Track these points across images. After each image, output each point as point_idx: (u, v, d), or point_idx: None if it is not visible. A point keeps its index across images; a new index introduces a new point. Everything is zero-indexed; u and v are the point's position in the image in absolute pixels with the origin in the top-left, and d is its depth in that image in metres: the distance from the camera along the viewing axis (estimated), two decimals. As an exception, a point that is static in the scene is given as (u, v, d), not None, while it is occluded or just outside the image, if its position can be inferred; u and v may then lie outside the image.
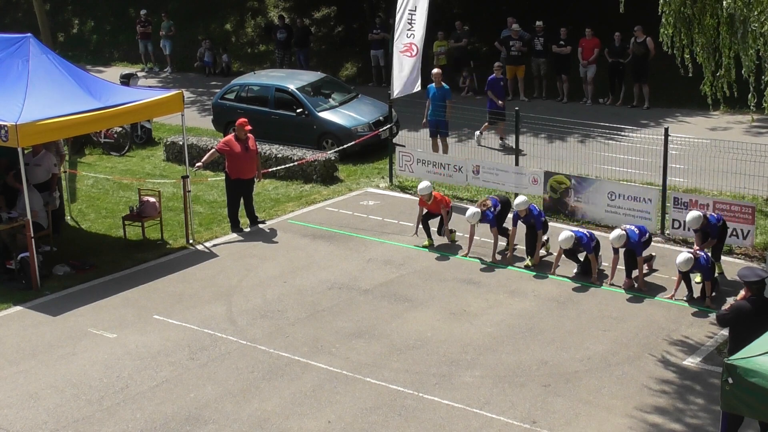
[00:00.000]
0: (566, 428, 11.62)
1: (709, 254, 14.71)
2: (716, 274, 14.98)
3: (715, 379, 12.05)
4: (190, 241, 17.97)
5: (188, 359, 13.55)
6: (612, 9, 13.53)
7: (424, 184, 17.33)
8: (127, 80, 25.44)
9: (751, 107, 13.10)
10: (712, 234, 15.24)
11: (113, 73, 29.07)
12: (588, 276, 15.53)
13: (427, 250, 17.06)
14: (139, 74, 29.68)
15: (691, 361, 13.17)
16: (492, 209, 16.56)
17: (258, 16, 34.44)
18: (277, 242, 17.97)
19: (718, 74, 12.68)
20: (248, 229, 18.58)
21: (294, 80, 24.05)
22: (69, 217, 18.68)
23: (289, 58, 30.61)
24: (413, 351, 13.63)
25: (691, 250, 14.60)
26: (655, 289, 15.15)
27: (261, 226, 18.72)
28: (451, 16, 29.15)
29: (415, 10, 20.26)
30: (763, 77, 11.72)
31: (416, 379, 12.82)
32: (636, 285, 15.12)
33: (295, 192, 20.65)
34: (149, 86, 26.50)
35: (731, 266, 15.30)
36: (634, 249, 15.01)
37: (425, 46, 20.79)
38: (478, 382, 12.74)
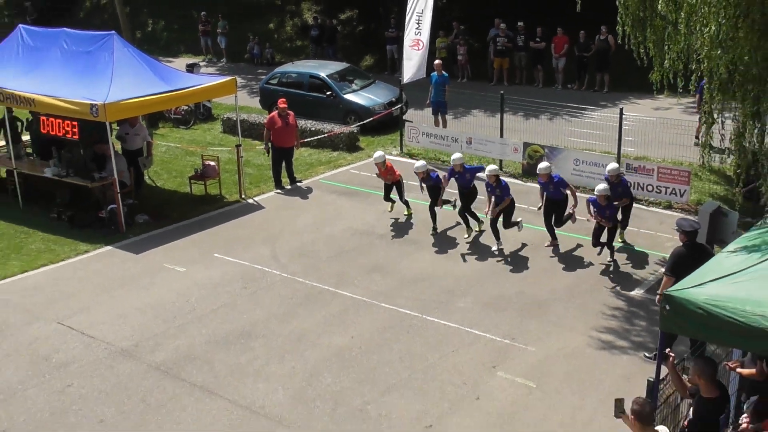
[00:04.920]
0: (538, 344, 11.77)
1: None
2: (620, 240, 14.68)
3: (656, 306, 12.14)
4: (243, 196, 18.09)
5: (241, 288, 13.72)
6: (581, 10, 13.48)
7: (377, 153, 16.49)
8: (191, 68, 25.39)
9: (680, 90, 12.98)
10: (626, 193, 14.49)
11: (180, 63, 29.02)
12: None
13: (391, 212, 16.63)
14: (201, 64, 29.56)
15: (636, 293, 13.29)
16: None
17: (295, 17, 34.27)
18: (311, 197, 18.07)
19: (666, 64, 12.61)
20: (288, 187, 18.66)
21: (324, 69, 24.00)
22: (147, 177, 18.82)
23: (320, 52, 30.52)
24: (419, 283, 13.77)
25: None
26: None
27: (299, 184, 18.79)
28: (450, 18, 28.95)
29: (422, 13, 20.22)
30: (690, 66, 11.67)
31: (421, 304, 12.98)
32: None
33: (325, 158, 20.72)
34: (209, 73, 26.47)
35: (671, 218, 15.31)
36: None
37: (430, 42, 20.72)
38: (469, 307, 12.89)
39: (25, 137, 18.88)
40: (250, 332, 12.27)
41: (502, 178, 15.06)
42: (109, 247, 15.51)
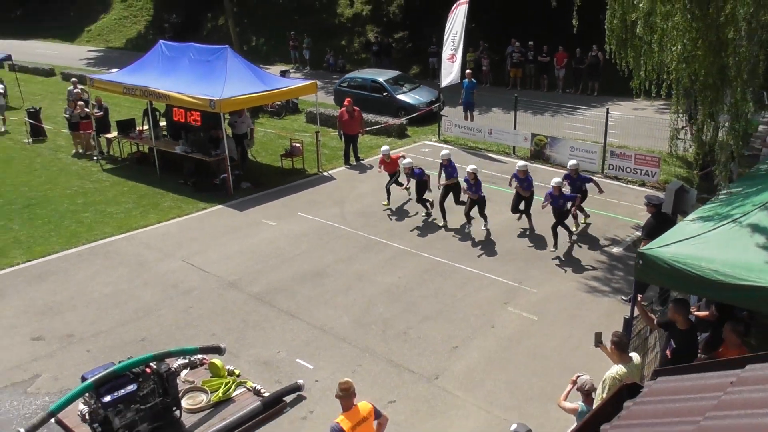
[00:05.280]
0: (539, 286, 11.55)
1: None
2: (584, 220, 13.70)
3: (631, 261, 11.86)
4: (320, 170, 17.99)
5: (317, 239, 13.68)
6: (577, 32, 13.00)
7: (383, 147, 15.17)
8: (283, 74, 25.29)
9: (653, 95, 12.44)
10: (585, 180, 13.30)
11: (275, 69, 28.90)
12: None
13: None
14: (291, 70, 29.46)
15: (616, 250, 12.94)
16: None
17: (361, 36, 33.88)
18: (370, 172, 17.88)
19: (642, 74, 12.12)
20: (354, 164, 18.52)
21: (382, 75, 23.67)
22: (250, 155, 18.86)
23: (379, 62, 30.16)
24: (449, 238, 13.59)
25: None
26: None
27: (362, 162, 18.64)
28: (477, 38, 28.30)
29: (456, 34, 19.73)
30: (662, 76, 11.21)
31: (451, 254, 12.81)
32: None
33: (381, 142, 20.40)
34: (296, 78, 26.34)
35: (644, 193, 14.80)
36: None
37: (462, 56, 20.26)
38: (486, 257, 12.69)
39: (162, 123, 19.03)
40: (323, 272, 12.25)
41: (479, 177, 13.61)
42: (220, 206, 15.57)
